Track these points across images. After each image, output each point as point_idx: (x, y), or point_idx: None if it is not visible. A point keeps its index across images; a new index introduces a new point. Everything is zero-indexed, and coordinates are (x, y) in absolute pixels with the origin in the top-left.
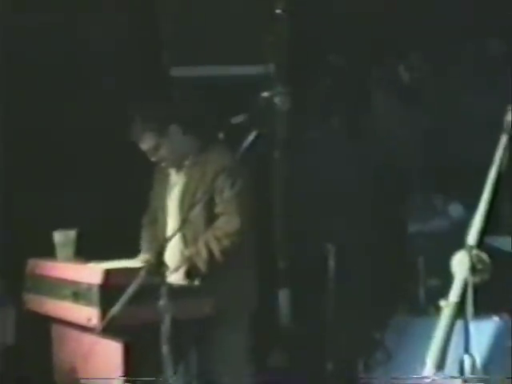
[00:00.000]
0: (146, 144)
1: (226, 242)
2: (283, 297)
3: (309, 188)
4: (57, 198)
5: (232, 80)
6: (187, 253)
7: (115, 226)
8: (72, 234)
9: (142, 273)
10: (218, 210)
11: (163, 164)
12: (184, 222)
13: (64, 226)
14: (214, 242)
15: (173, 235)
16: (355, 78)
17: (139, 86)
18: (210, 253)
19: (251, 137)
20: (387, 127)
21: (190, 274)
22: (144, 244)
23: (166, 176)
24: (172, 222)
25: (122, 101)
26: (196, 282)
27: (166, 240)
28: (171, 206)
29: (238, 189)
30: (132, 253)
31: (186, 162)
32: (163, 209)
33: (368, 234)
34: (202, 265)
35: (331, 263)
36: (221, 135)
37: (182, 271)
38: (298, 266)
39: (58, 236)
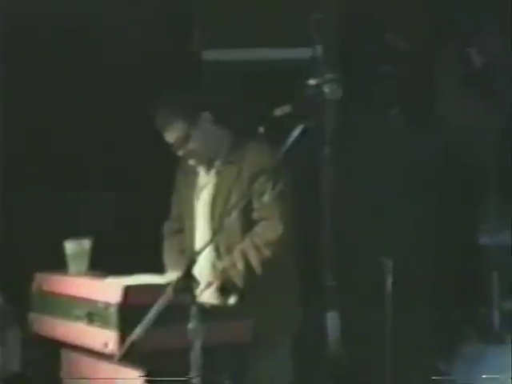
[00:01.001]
0: (173, 134)
1: (266, 252)
2: (331, 320)
3: (363, 191)
4: (68, 202)
5: (274, 65)
6: (221, 265)
7: (136, 235)
8: (86, 243)
9: (169, 290)
10: (256, 215)
11: (191, 161)
12: (217, 231)
13: (77, 234)
14: (252, 252)
15: (204, 246)
16: (418, 62)
17: (167, 72)
18: (248, 265)
19: (296, 131)
20: (455, 120)
21: (224, 290)
22: (168, 257)
23: (194, 176)
24: (201, 230)
25: (148, 87)
26: (231, 301)
27: (196, 252)
28: (200, 211)
29: (280, 191)
30: (155, 267)
31: (218, 161)
32: (190, 215)
33: (431, 246)
34: (238, 279)
35: (388, 281)
36: (260, 129)
37: (214, 288)
38: (348, 283)
39: (69, 246)
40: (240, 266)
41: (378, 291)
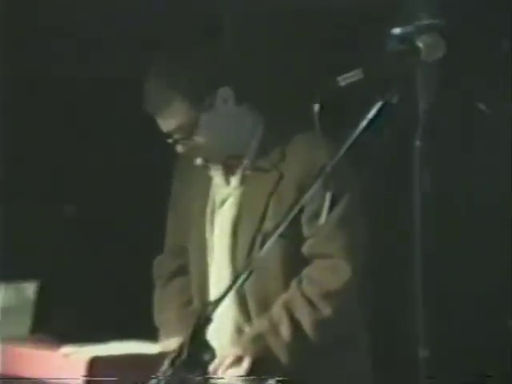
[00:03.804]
0: (171, 119)
1: (325, 309)
2: None
3: (469, 207)
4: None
5: (334, 10)
6: (252, 329)
7: (111, 277)
8: (29, 289)
9: (164, 366)
10: (307, 249)
11: (199, 161)
12: (243, 272)
13: (16, 274)
14: (303, 308)
15: (223, 295)
16: None
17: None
18: (296, 328)
19: (372, 111)
20: None
21: (257, 368)
22: (162, 313)
23: (204, 186)
24: (218, 270)
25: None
26: None
27: (210, 305)
28: (216, 241)
29: (344, 211)
30: (143, 328)
31: (244, 163)
32: (199, 246)
33: None
34: (280, 352)
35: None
36: (315, 107)
37: (241, 365)
38: (448, 354)
39: (0, 293)
40: (285, 330)
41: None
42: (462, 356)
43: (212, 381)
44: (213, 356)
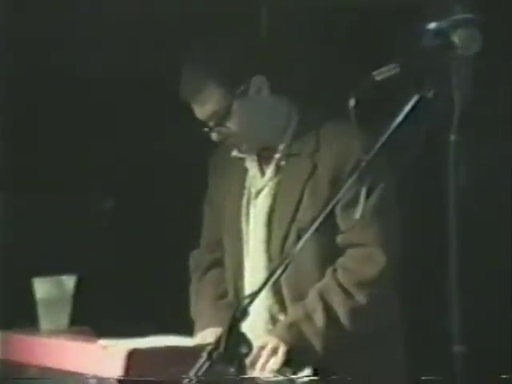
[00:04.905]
0: (206, 106)
1: (360, 297)
2: None
3: (505, 200)
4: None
5: (371, 4)
6: (287, 318)
7: (147, 271)
8: (69, 282)
9: (203, 357)
10: (342, 239)
11: (235, 152)
12: (279, 263)
13: (55, 269)
14: (337, 297)
15: (261, 288)
16: None
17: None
18: (331, 317)
19: (409, 105)
20: None
21: (291, 358)
22: (198, 306)
23: (239, 177)
24: (254, 262)
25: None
26: (304, 374)
27: (246, 297)
28: (251, 232)
29: (379, 202)
30: (179, 323)
31: (278, 153)
32: (235, 239)
33: None
34: (316, 340)
35: None
36: (351, 102)
37: (277, 354)
38: (484, 348)
39: (41, 287)
40: (319, 318)
41: None
42: (499, 352)
43: (248, 373)
44: (250, 349)
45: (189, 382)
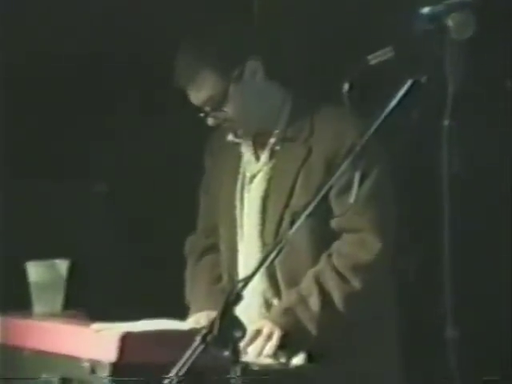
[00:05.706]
0: (202, 91)
1: (355, 282)
2: None
3: (497, 187)
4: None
5: None
6: (282, 303)
7: (142, 254)
8: (62, 266)
9: (197, 341)
10: (337, 224)
11: (230, 137)
12: (273, 247)
13: (48, 253)
14: (332, 281)
15: (254, 272)
16: None
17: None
18: (326, 301)
19: (402, 90)
20: None
21: (286, 343)
22: (193, 290)
23: (234, 162)
24: (248, 247)
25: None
26: (298, 360)
27: (240, 281)
28: (246, 217)
29: (374, 187)
30: (173, 307)
31: (273, 137)
32: (230, 224)
33: None
34: (310, 324)
35: None
36: (345, 86)
37: (271, 339)
38: (477, 333)
39: (34, 271)
40: (314, 302)
41: None
42: (493, 336)
43: (242, 357)
44: (243, 332)
45: (170, 382)
